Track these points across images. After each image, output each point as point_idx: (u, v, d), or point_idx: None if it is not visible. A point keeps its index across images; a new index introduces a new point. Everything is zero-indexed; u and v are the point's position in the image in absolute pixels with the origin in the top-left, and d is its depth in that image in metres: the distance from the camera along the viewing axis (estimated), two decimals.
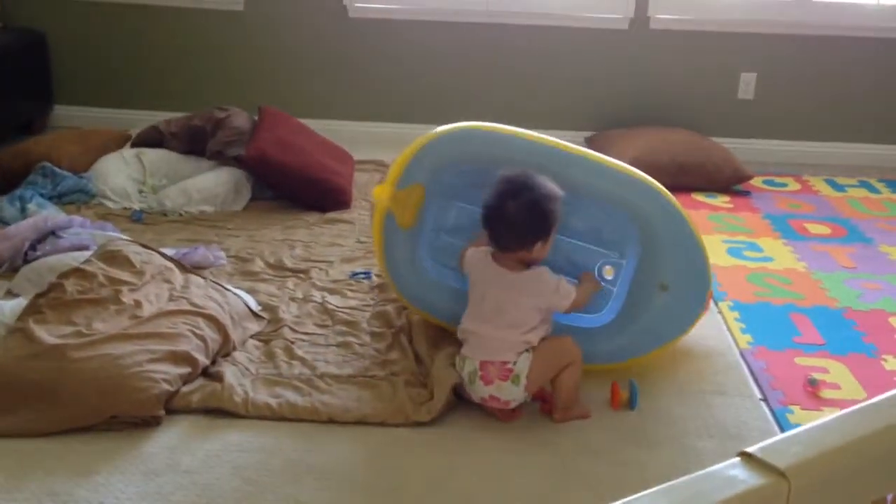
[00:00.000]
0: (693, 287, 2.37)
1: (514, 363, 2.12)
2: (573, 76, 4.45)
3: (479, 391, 2.16)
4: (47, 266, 2.59)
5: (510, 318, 2.13)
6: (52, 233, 2.85)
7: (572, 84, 4.46)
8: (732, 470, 0.63)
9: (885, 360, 2.57)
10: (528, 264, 2.18)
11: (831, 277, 3.12)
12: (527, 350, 2.14)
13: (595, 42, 4.39)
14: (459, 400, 2.22)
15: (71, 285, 2.39)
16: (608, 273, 2.44)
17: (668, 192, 2.39)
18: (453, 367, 2.23)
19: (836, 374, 2.48)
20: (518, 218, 2.11)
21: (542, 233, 2.15)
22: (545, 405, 2.25)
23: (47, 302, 2.34)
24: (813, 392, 2.38)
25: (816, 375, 2.44)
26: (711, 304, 2.85)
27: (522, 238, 2.14)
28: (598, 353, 2.33)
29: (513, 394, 2.14)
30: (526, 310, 2.14)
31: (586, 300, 2.29)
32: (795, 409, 2.31)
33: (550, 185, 2.17)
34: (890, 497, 0.77)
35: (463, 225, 2.48)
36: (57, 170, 3.47)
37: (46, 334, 2.20)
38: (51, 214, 3.04)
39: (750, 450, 0.65)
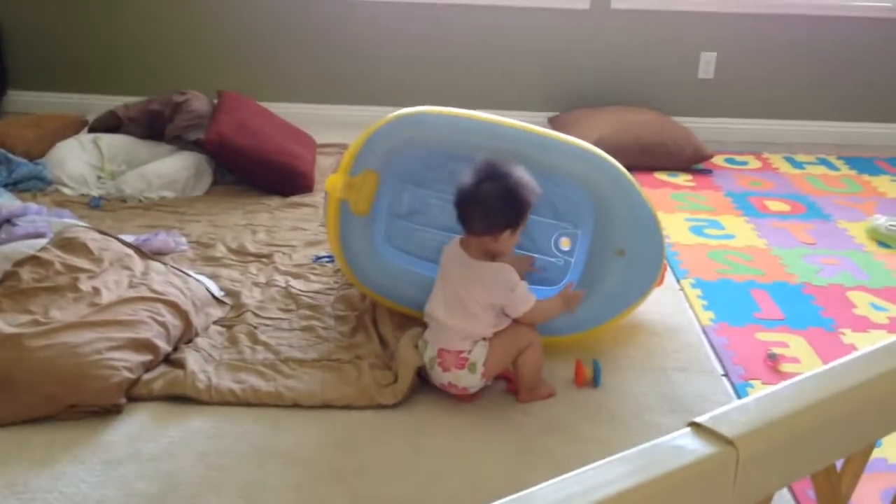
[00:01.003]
0: (647, 252, 2.41)
1: (470, 352, 2.12)
2: (535, 56, 4.45)
3: (438, 377, 2.16)
4: (2, 254, 2.53)
5: (466, 309, 2.12)
6: (7, 221, 2.78)
7: (534, 65, 4.46)
8: (682, 440, 0.64)
9: (843, 333, 2.62)
10: (492, 256, 2.16)
11: (790, 253, 3.16)
12: (483, 339, 2.14)
13: (557, 22, 4.38)
14: (423, 382, 2.22)
15: (27, 273, 2.35)
16: (565, 244, 2.47)
17: (615, 161, 2.43)
18: (417, 349, 2.23)
19: (796, 348, 2.52)
20: (491, 201, 2.07)
21: (512, 221, 2.10)
22: (511, 385, 2.26)
23: (2, 291, 2.30)
24: (773, 366, 2.42)
25: (776, 350, 2.48)
26: (674, 281, 2.89)
27: (491, 223, 2.10)
28: (561, 326, 2.34)
29: (470, 381, 2.14)
30: (480, 303, 2.11)
31: (552, 314, 2.22)
32: (756, 383, 2.34)
33: (530, 178, 2.14)
34: (839, 463, 0.78)
35: (418, 209, 2.50)
36: (11, 156, 3.40)
37: (2, 323, 2.16)
38: (5, 202, 2.98)
39: (699, 420, 0.66)
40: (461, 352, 2.12)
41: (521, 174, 2.13)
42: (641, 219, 2.39)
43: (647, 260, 2.42)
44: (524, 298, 2.13)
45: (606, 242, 2.36)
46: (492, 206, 2.09)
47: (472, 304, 2.11)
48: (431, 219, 2.50)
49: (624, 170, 2.42)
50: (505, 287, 2.12)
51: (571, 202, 2.44)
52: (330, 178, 2.35)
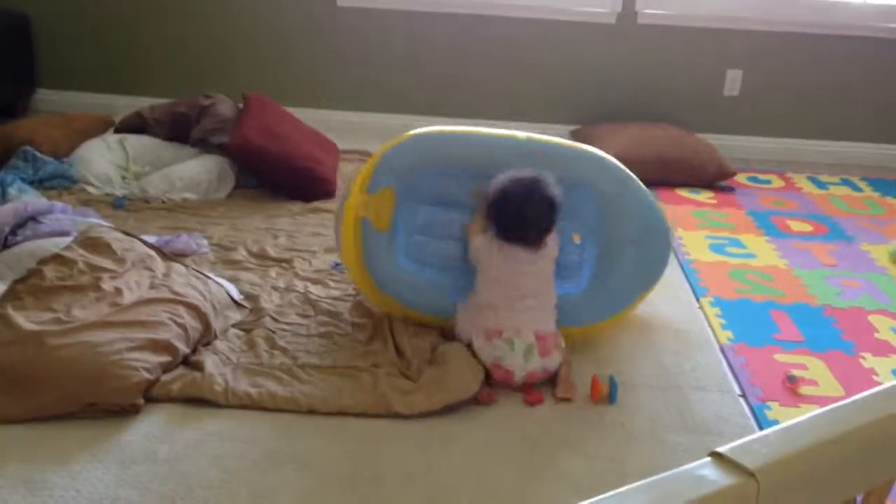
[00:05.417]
0: (656, 239, 2.52)
1: (557, 333, 2.33)
2: (560, 69, 4.45)
3: (533, 364, 2.26)
4: (27, 251, 2.56)
5: (551, 289, 2.33)
6: (33, 218, 2.82)
7: (558, 77, 4.46)
8: (703, 470, 0.63)
9: (863, 357, 2.60)
10: None
11: (812, 275, 3.14)
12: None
13: (582, 36, 4.39)
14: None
15: (51, 271, 2.37)
16: (575, 239, 2.57)
17: (611, 157, 2.56)
18: (473, 362, 2.25)
19: (815, 370, 2.50)
20: (538, 221, 2.30)
21: (555, 220, 2.34)
22: (528, 396, 2.26)
23: (26, 288, 2.32)
24: (792, 388, 2.40)
25: (795, 372, 2.46)
26: (693, 299, 2.88)
27: (544, 232, 2.32)
28: (581, 317, 2.46)
29: (557, 360, 2.30)
30: (552, 271, 2.34)
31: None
32: (774, 405, 2.33)
33: (547, 177, 2.31)
34: (859, 498, 0.78)
35: (432, 224, 2.55)
36: (38, 154, 3.44)
37: (25, 321, 2.18)
38: (31, 199, 3.01)
39: (721, 450, 0.65)
40: (555, 333, 2.32)
41: (545, 180, 2.30)
42: (646, 211, 2.50)
43: (655, 249, 2.53)
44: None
45: (615, 234, 2.46)
46: (541, 223, 2.31)
47: (550, 281, 2.34)
48: (450, 230, 2.53)
49: (619, 164, 2.55)
50: (555, 246, 2.38)
51: (579, 205, 2.51)
52: (350, 198, 2.42)
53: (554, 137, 2.60)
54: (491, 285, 2.31)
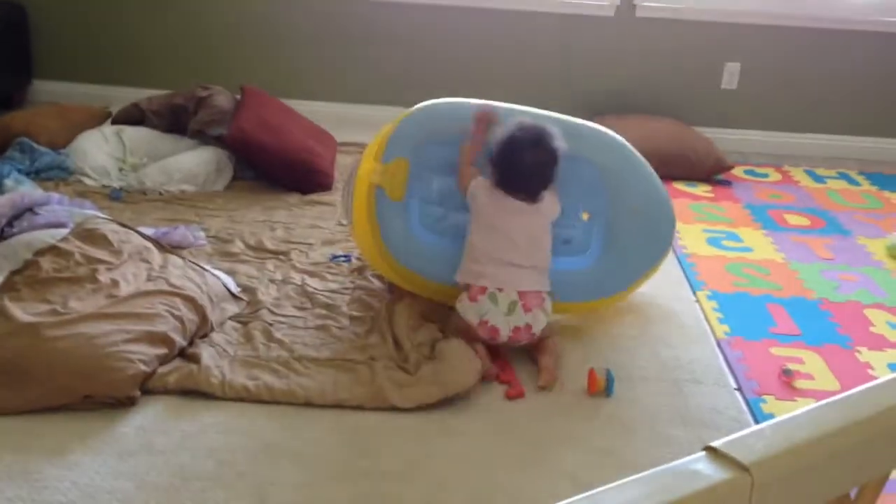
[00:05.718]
0: (658, 212, 2.59)
1: (547, 292, 2.34)
2: (558, 63, 4.44)
3: (517, 320, 2.29)
4: (23, 243, 2.55)
5: (541, 249, 2.34)
6: (29, 209, 2.81)
7: (556, 70, 4.45)
8: (697, 464, 0.64)
9: (859, 351, 2.60)
10: None
11: (809, 268, 3.14)
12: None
13: (581, 29, 4.38)
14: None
15: (47, 263, 2.37)
16: (585, 216, 2.63)
17: (613, 133, 2.61)
18: (470, 357, 2.24)
19: (811, 364, 2.51)
20: (543, 174, 2.34)
21: (554, 174, 2.37)
22: (511, 390, 2.26)
23: (23, 279, 2.32)
24: (787, 382, 2.41)
25: (791, 366, 2.46)
26: (690, 293, 2.89)
27: (544, 183, 2.35)
28: (592, 291, 2.53)
29: (543, 320, 2.32)
30: (547, 232, 2.36)
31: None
32: (769, 398, 2.33)
33: (552, 132, 2.36)
34: (854, 492, 0.78)
35: (447, 193, 2.55)
36: (35, 145, 3.43)
37: (21, 312, 2.18)
38: (28, 191, 3.00)
39: (715, 444, 0.66)
40: (539, 292, 2.32)
41: (551, 130, 2.35)
42: (648, 186, 2.56)
43: (659, 222, 2.59)
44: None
45: (621, 209, 2.52)
46: (545, 176, 2.35)
47: (545, 238, 2.35)
48: (464, 200, 2.54)
49: (626, 142, 2.60)
50: (554, 202, 2.39)
51: (584, 181, 2.54)
52: (363, 167, 2.44)
53: (558, 114, 2.63)
54: (482, 233, 2.34)
